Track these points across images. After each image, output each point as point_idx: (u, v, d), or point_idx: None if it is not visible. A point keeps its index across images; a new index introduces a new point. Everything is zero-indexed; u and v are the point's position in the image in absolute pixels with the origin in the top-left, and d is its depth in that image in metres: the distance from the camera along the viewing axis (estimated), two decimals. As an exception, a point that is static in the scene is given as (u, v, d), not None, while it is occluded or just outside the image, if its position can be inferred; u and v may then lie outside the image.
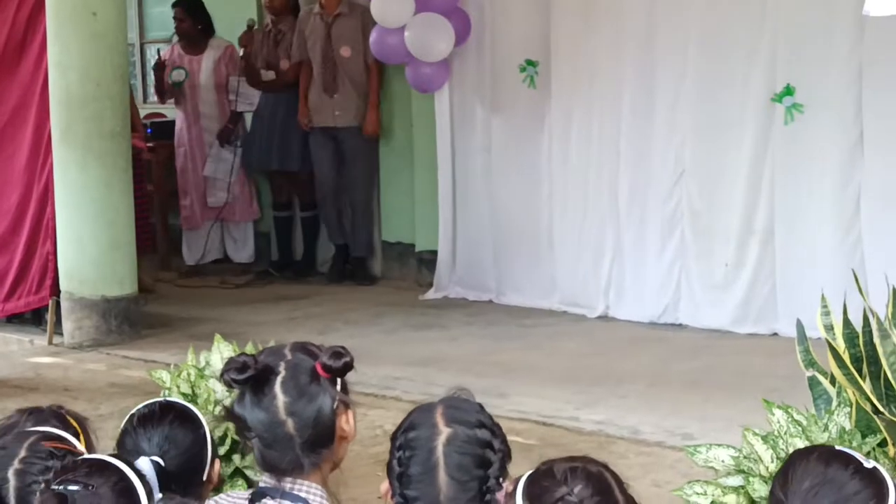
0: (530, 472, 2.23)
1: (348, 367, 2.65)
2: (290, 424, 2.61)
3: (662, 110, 7.60)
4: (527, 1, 8.25)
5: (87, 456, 2.28)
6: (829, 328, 3.66)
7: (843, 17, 6.83)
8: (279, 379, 2.63)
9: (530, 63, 8.25)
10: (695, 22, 7.44)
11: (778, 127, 7.16)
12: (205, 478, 2.86)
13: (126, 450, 2.81)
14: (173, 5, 9.87)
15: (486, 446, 2.50)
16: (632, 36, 7.70)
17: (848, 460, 2.30)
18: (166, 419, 2.85)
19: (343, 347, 2.68)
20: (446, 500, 2.46)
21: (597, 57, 7.87)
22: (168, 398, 3.31)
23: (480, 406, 2.59)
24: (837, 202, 7.04)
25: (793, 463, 2.34)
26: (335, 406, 2.64)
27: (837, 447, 2.46)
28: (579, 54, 7.96)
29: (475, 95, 8.58)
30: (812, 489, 2.25)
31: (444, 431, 2.50)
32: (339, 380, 2.67)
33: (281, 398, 2.63)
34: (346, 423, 2.68)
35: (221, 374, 2.67)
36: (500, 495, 2.43)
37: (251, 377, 2.63)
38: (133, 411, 2.92)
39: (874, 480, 2.28)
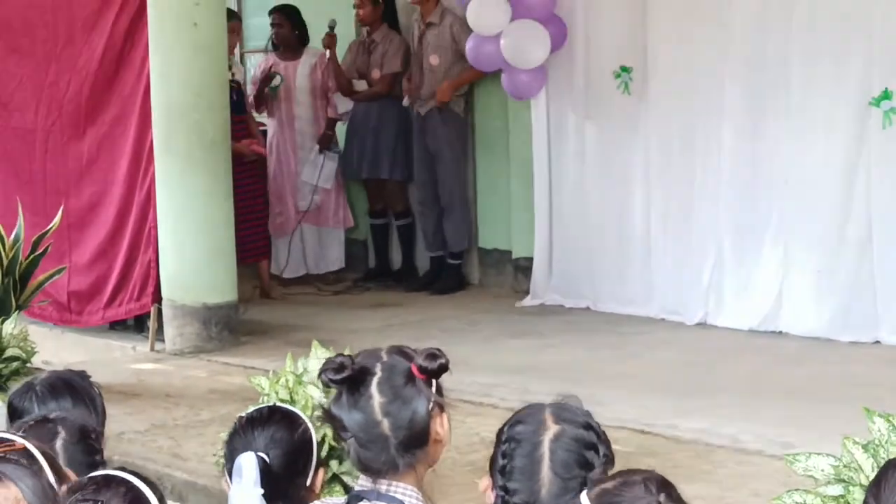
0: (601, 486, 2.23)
1: (443, 368, 2.68)
2: (385, 425, 2.66)
3: (764, 117, 7.53)
4: (622, 7, 8.22)
5: (93, 473, 2.31)
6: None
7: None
8: (375, 379, 2.68)
9: (625, 69, 8.22)
10: (797, 28, 7.36)
11: (875, 131, 7.07)
12: (308, 483, 2.91)
13: (234, 449, 2.89)
14: (271, 11, 9.96)
15: (591, 448, 2.54)
16: (730, 41, 7.64)
17: None
18: (273, 420, 2.95)
19: (438, 349, 2.71)
20: (547, 496, 2.49)
21: (694, 63, 7.82)
22: (277, 403, 3.38)
23: (589, 412, 2.62)
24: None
25: (885, 472, 2.30)
26: (430, 408, 2.67)
27: None
28: (676, 61, 7.92)
29: (570, 102, 8.56)
30: None
31: (553, 428, 2.55)
32: (434, 382, 2.70)
33: (377, 398, 2.67)
34: (440, 425, 2.71)
35: (319, 374, 2.73)
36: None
37: (348, 377, 2.68)
38: (242, 413, 3.01)
39: None
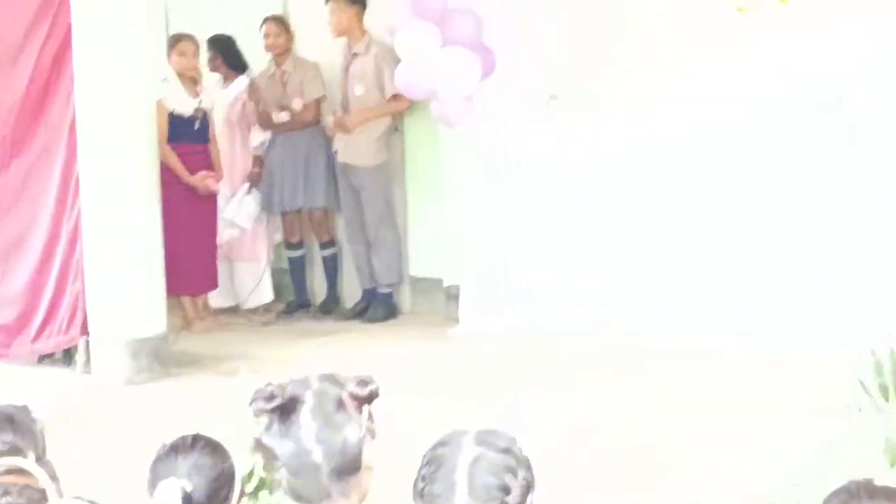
0: None
1: (374, 394, 2.70)
2: (317, 453, 2.66)
3: (693, 144, 7.60)
4: (550, 35, 8.28)
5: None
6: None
7: None
8: (306, 407, 2.68)
9: (553, 98, 8.28)
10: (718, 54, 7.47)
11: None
12: None
13: (157, 475, 2.91)
14: (206, 41, 9.85)
15: (508, 471, 2.56)
16: (657, 68, 7.72)
17: None
18: (197, 448, 2.96)
19: (369, 376, 2.71)
20: None
21: (623, 90, 7.89)
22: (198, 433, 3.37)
23: (513, 437, 2.65)
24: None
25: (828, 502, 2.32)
26: (362, 435, 2.68)
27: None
28: (604, 88, 7.99)
29: (500, 130, 8.60)
30: None
31: (473, 451, 2.58)
32: (366, 409, 2.71)
33: (308, 426, 2.67)
34: (372, 451, 2.71)
35: (249, 404, 2.72)
36: None
37: (279, 406, 2.67)
38: (165, 442, 3.03)
39: None
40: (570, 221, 8.28)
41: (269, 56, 9.67)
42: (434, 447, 2.63)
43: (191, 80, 9.04)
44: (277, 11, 9.77)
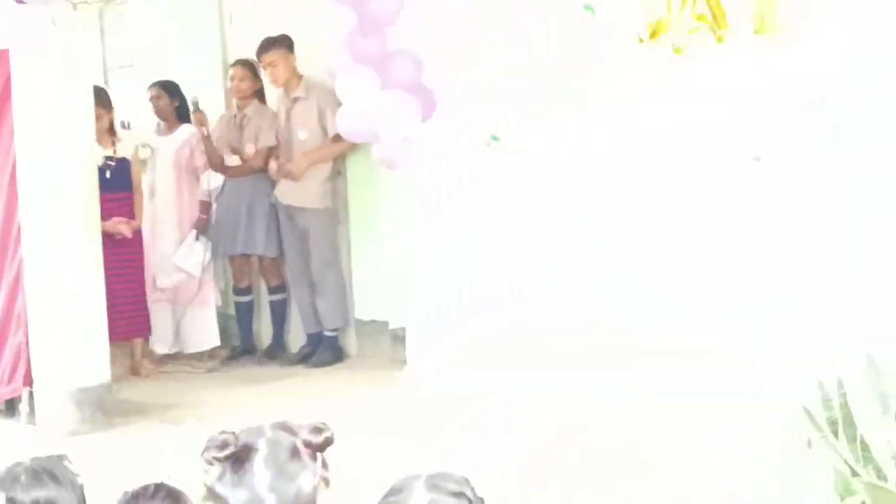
0: None
1: (329, 442, 2.68)
2: (271, 501, 2.64)
3: (636, 177, 7.65)
4: (489, 76, 8.32)
5: None
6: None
7: None
8: (259, 456, 2.66)
9: (495, 138, 8.31)
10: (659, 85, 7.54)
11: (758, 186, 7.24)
12: None
13: None
14: (150, 86, 9.88)
15: None
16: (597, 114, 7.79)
17: None
18: (158, 497, 2.94)
19: (323, 423, 2.70)
20: None
21: (563, 130, 7.94)
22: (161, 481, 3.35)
23: (465, 479, 2.63)
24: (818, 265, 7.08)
25: None
26: (316, 482, 2.66)
27: None
28: (544, 129, 8.03)
29: (442, 171, 8.61)
30: None
31: (424, 497, 2.56)
32: (319, 456, 2.69)
33: (262, 475, 2.65)
34: (326, 499, 2.70)
35: (202, 453, 2.69)
36: None
37: (232, 454, 2.65)
38: (127, 489, 3.00)
39: None
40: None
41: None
42: (386, 495, 2.61)
43: (104, 132, 9.03)
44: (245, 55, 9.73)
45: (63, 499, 3.11)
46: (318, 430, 2.69)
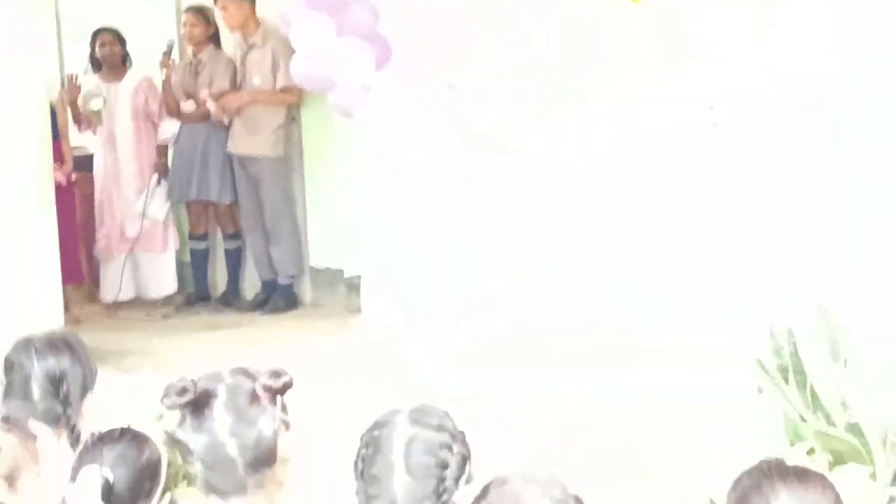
0: None
1: (287, 386, 2.71)
2: (231, 446, 2.67)
3: (588, 129, 7.68)
4: (448, 24, 8.29)
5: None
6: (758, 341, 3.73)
7: None
8: (219, 401, 2.69)
9: (452, 87, 8.29)
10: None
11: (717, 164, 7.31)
12: None
13: (81, 464, 2.89)
14: (97, 32, 9.80)
15: (444, 448, 2.63)
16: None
17: None
18: (124, 440, 2.95)
19: (281, 368, 2.73)
20: (404, 498, 2.59)
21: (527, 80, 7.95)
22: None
23: (446, 413, 2.72)
24: (773, 225, 7.16)
25: (740, 481, 2.37)
26: (276, 427, 2.69)
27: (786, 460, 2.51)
28: (505, 75, 8.03)
29: (398, 119, 8.60)
30: None
31: (407, 432, 2.64)
32: (279, 401, 2.72)
33: (222, 420, 2.68)
34: (286, 442, 2.72)
35: (161, 399, 2.72)
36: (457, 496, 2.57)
37: (191, 401, 2.67)
38: (94, 432, 3.02)
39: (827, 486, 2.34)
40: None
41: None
42: (370, 429, 2.68)
43: None
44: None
45: (75, 373, 3.17)
46: (276, 374, 2.72)
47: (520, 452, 2.70)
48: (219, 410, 2.68)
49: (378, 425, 2.68)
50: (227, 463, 2.66)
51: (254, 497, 2.68)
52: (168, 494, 2.95)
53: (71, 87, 9.67)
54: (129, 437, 2.97)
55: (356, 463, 2.66)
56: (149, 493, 2.91)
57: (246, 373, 2.75)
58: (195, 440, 2.69)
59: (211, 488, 2.69)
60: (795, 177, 7.24)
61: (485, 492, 2.44)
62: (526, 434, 6.14)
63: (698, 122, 7.51)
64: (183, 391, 2.68)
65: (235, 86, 9.41)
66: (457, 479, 2.60)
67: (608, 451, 5.78)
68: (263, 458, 2.68)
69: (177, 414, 2.71)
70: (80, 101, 9.70)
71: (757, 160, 7.26)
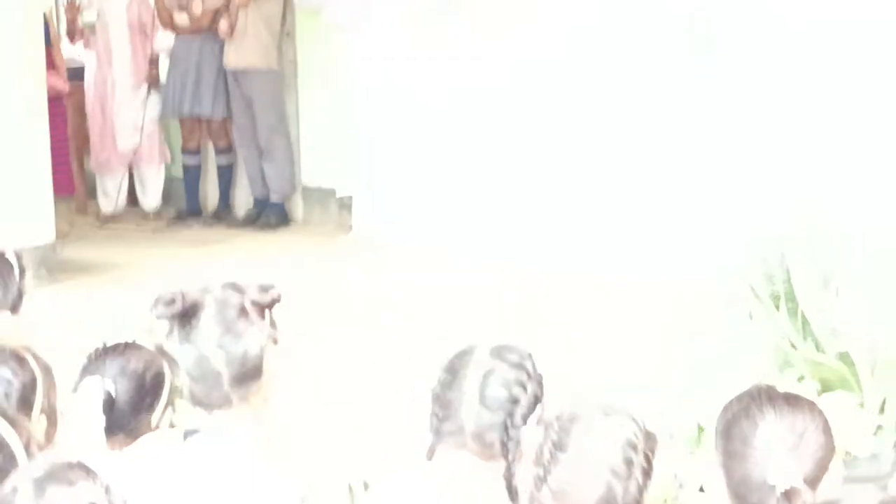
0: None
1: (275, 300, 2.70)
2: (218, 359, 2.66)
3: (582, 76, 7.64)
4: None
5: None
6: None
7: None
8: (207, 314, 2.68)
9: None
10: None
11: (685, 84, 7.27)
12: (153, 425, 2.89)
13: (84, 375, 2.89)
14: None
15: (518, 385, 2.66)
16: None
17: None
18: (128, 353, 2.94)
19: (270, 283, 2.71)
20: (471, 426, 2.63)
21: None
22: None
23: (529, 354, 2.74)
24: (765, 148, 7.13)
25: (730, 406, 2.39)
26: (264, 341, 2.68)
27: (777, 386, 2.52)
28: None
29: (396, 35, 8.53)
30: None
31: (487, 364, 2.67)
32: (268, 315, 2.71)
33: (209, 332, 2.67)
34: (273, 357, 2.71)
35: (150, 309, 2.70)
36: (524, 434, 2.59)
37: (179, 311, 2.66)
38: (99, 346, 3.01)
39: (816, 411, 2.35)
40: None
41: None
42: (453, 357, 2.71)
43: None
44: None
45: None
46: (265, 288, 2.71)
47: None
48: (206, 323, 2.67)
49: (460, 354, 2.71)
50: (213, 376, 2.66)
51: (239, 411, 2.67)
52: (169, 409, 2.94)
53: (72, 5, 9.59)
54: (134, 350, 2.96)
55: (434, 386, 2.70)
56: (150, 407, 2.90)
57: (235, 287, 2.73)
58: (182, 351, 2.68)
59: (197, 400, 2.69)
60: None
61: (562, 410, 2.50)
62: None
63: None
64: (171, 302, 2.67)
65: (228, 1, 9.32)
66: (525, 417, 2.64)
67: (596, 371, 5.78)
68: (249, 373, 2.67)
69: (166, 325, 2.70)
70: (74, 7, 9.63)
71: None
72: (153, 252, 8.51)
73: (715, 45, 7.13)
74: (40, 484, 2.00)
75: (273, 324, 2.73)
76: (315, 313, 6.62)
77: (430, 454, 2.68)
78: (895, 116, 6.65)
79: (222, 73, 9.37)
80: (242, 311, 2.68)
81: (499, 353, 2.69)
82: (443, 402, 2.66)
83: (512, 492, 2.59)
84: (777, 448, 2.25)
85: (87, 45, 9.75)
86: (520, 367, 2.68)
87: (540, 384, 2.70)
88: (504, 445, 2.61)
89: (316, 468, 3.11)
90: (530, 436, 2.58)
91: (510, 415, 2.62)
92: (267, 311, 2.70)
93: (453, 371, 2.68)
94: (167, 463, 2.67)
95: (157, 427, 2.90)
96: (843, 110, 6.84)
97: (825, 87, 6.88)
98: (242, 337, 2.68)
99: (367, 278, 7.63)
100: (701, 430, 3.36)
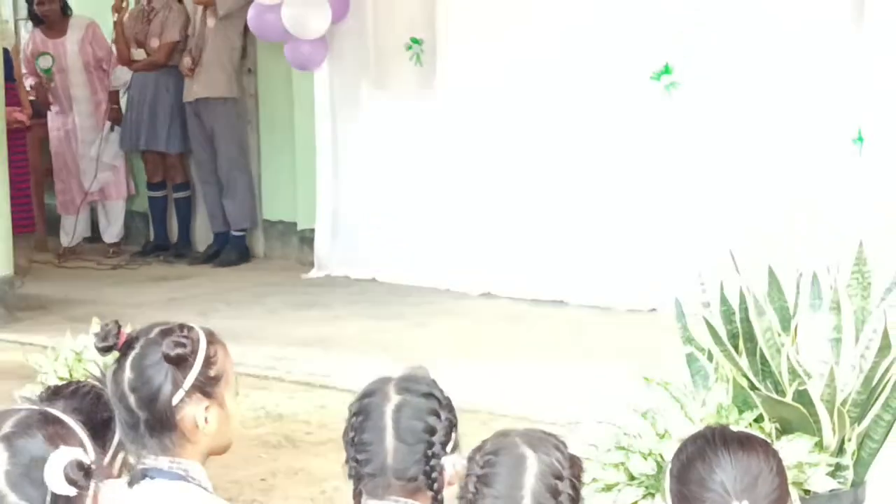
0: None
1: (182, 359, 2.62)
2: (131, 401, 2.62)
3: (550, 93, 7.64)
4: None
5: None
6: (707, 305, 3.72)
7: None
8: (132, 354, 2.64)
9: (416, 41, 8.26)
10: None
11: (657, 104, 7.27)
12: (105, 463, 2.84)
13: None
14: None
15: (432, 414, 2.66)
16: (520, 16, 7.74)
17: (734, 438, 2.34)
18: (80, 394, 2.91)
19: (187, 338, 2.64)
20: (393, 462, 2.61)
21: (485, 35, 7.89)
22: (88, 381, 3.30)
23: (434, 381, 2.75)
24: (714, 180, 7.15)
25: (683, 450, 2.36)
26: (176, 392, 2.61)
27: (731, 427, 2.51)
28: (467, 33, 7.97)
29: (358, 73, 8.55)
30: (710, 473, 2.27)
31: (395, 399, 2.66)
32: (197, 368, 2.64)
33: (128, 373, 2.64)
34: (204, 412, 2.65)
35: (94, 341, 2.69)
36: (447, 463, 2.59)
37: (110, 347, 2.64)
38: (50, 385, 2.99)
39: (770, 452, 2.33)
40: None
41: None
42: (360, 398, 2.69)
43: None
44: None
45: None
46: (177, 343, 2.63)
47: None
48: (129, 363, 2.65)
49: (367, 394, 2.69)
50: (132, 417, 2.63)
51: (188, 454, 2.63)
52: (122, 452, 2.89)
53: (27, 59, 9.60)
54: (87, 390, 2.93)
55: (346, 431, 2.68)
56: (102, 449, 2.85)
57: (168, 332, 2.67)
58: (111, 387, 2.67)
59: (124, 439, 2.67)
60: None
61: (484, 442, 2.49)
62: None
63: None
64: (105, 336, 2.65)
65: (186, 36, 9.30)
66: (444, 444, 2.63)
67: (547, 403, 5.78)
68: (161, 422, 2.61)
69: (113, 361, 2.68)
70: (29, 57, 9.63)
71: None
72: (113, 289, 8.46)
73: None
74: None
75: (209, 379, 2.65)
76: (273, 352, 6.59)
77: (357, 501, 2.65)
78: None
79: (179, 108, 9.35)
80: (161, 358, 2.63)
81: (405, 385, 2.69)
82: (359, 446, 2.64)
83: None
84: (734, 490, 2.23)
85: (49, 93, 9.69)
86: (429, 395, 2.68)
87: (451, 409, 2.70)
88: (428, 477, 2.59)
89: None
90: (452, 463, 2.59)
91: (429, 445, 2.61)
92: (174, 365, 2.64)
93: (365, 412, 2.66)
94: None
95: (108, 471, 2.85)
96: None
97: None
98: (151, 383, 2.63)
99: (326, 317, 7.59)
100: (660, 469, 3.35)
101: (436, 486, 2.60)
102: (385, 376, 2.73)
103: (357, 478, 2.65)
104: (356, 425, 2.66)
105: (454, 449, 2.65)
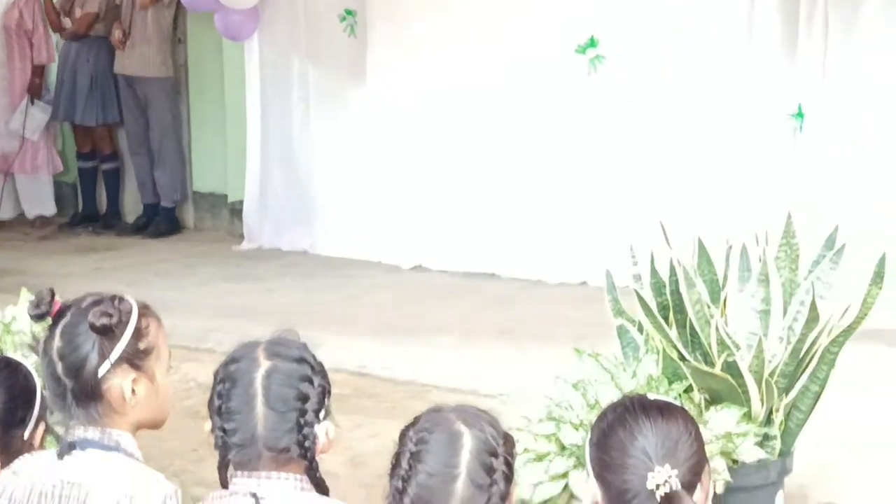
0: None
1: (108, 329, 2.58)
2: (59, 368, 2.59)
3: (480, 64, 7.63)
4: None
5: None
6: (637, 278, 3.75)
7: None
8: (63, 322, 2.61)
9: (349, 13, 8.22)
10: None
11: (581, 78, 7.30)
12: (27, 436, 2.82)
13: None
14: None
15: (304, 380, 2.56)
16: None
17: (654, 405, 2.36)
18: None
19: (116, 308, 2.60)
20: (264, 431, 2.52)
21: (416, 9, 7.86)
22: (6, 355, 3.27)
23: (304, 345, 2.63)
24: (644, 154, 7.18)
25: (603, 418, 2.37)
26: (102, 363, 2.58)
27: (649, 395, 2.53)
28: (394, 7, 7.94)
29: (289, 44, 8.50)
30: (629, 437, 2.29)
31: (265, 364, 2.55)
32: (127, 339, 2.61)
33: (57, 341, 2.61)
34: (131, 384, 2.62)
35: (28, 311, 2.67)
36: (319, 431, 2.52)
37: (43, 314, 2.62)
38: None
39: (688, 419, 2.35)
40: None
41: None
42: (226, 363, 2.59)
43: None
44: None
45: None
46: (104, 314, 2.59)
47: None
48: (59, 331, 2.61)
49: (233, 360, 2.58)
50: (60, 386, 2.59)
51: (119, 425, 2.60)
52: (42, 423, 2.87)
53: None
54: (3, 363, 2.89)
55: (211, 399, 2.57)
56: (22, 421, 2.82)
57: (98, 303, 2.64)
58: (43, 355, 2.63)
59: (52, 408, 2.65)
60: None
61: (417, 418, 2.40)
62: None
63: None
64: (39, 304, 2.62)
65: (107, 10, 9.17)
66: (317, 412, 2.54)
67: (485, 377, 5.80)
68: (86, 392, 2.57)
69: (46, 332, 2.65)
70: None
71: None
72: (41, 260, 8.38)
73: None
74: None
75: (140, 352, 2.62)
76: (203, 324, 6.56)
77: (223, 473, 2.58)
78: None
79: (102, 79, 9.21)
80: (93, 328, 2.61)
81: (275, 350, 2.58)
82: (226, 415, 2.54)
83: (321, 487, 2.54)
84: (655, 456, 2.25)
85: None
86: (301, 360, 2.58)
87: (324, 375, 2.60)
88: (301, 446, 2.52)
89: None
90: (325, 430, 2.54)
91: (301, 413, 2.52)
92: (100, 335, 2.59)
93: (232, 379, 2.56)
94: (39, 478, 2.59)
95: (30, 442, 2.82)
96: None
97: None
98: (78, 351, 2.58)
99: (258, 289, 7.57)
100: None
101: (309, 455, 2.52)
102: (253, 341, 2.62)
103: (224, 448, 2.56)
104: (223, 392, 2.56)
105: (326, 416, 2.57)
